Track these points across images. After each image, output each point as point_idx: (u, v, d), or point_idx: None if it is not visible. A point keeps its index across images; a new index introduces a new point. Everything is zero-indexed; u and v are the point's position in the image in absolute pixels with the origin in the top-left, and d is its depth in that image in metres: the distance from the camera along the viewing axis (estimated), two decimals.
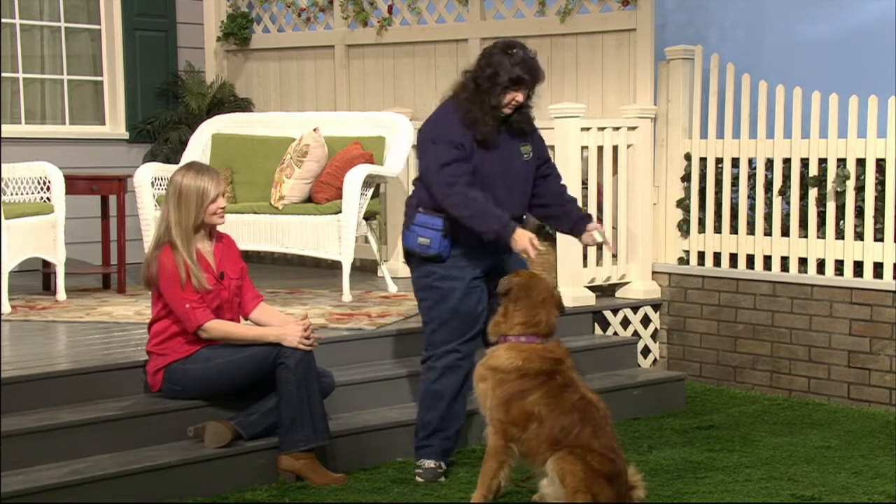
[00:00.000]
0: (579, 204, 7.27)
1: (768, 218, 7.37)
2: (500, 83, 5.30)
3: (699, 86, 7.66)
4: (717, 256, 7.62)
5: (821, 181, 7.13)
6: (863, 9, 7.52)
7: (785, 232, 7.29)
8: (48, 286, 7.82)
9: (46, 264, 7.70)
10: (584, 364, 6.83)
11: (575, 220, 5.61)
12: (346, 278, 7.35)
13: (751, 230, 7.44)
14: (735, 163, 7.51)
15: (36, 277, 8.02)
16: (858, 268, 7.00)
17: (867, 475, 5.52)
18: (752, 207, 7.47)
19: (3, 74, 8.94)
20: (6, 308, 6.88)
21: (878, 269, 6.92)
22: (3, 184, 7.11)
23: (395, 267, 8.34)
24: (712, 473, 5.52)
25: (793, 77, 7.32)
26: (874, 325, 6.89)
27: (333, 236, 7.36)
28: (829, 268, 7.10)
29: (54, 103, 9.44)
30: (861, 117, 6.98)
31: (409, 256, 5.58)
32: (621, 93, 7.89)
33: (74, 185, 7.69)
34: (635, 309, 7.65)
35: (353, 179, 7.31)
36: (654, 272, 7.77)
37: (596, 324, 7.47)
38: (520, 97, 5.36)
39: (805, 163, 7.20)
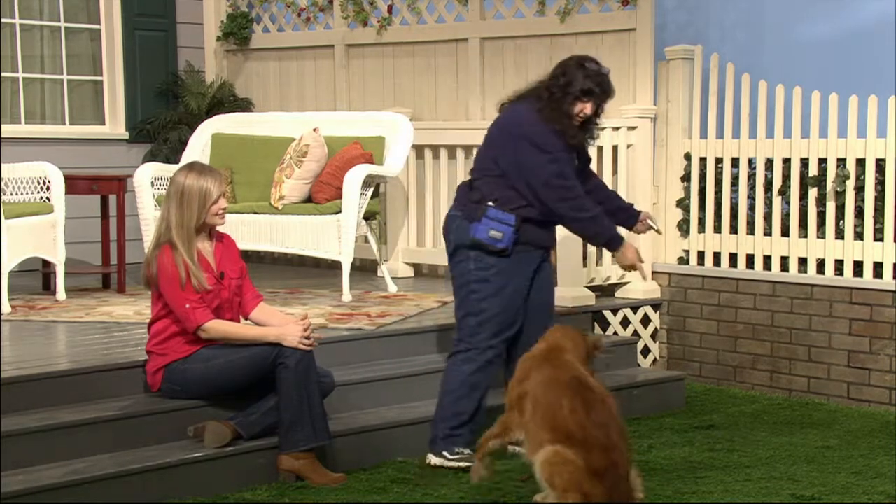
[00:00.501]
0: None
1: (768, 218, 7.37)
2: (572, 93, 5.51)
3: (699, 86, 7.66)
4: (716, 256, 7.62)
5: (820, 181, 7.13)
6: (862, 9, 7.52)
7: (785, 232, 7.29)
8: (48, 286, 7.82)
9: (46, 264, 7.70)
10: None
11: (628, 212, 5.97)
12: (345, 278, 7.35)
13: (750, 230, 7.44)
14: (735, 162, 7.51)
15: (36, 277, 8.01)
16: (858, 268, 7.00)
17: (867, 475, 5.52)
18: (751, 207, 7.47)
19: (3, 74, 8.94)
20: (6, 308, 6.88)
21: (877, 268, 6.92)
22: (3, 183, 7.11)
23: (394, 267, 8.35)
24: (712, 473, 5.52)
25: (792, 77, 7.32)
26: (874, 324, 6.89)
27: (333, 236, 7.36)
28: (829, 268, 7.10)
29: (54, 103, 9.44)
30: (861, 117, 6.98)
31: (465, 249, 5.61)
32: (621, 93, 7.83)
33: (74, 184, 7.69)
34: (635, 309, 7.65)
35: (353, 179, 7.31)
36: (653, 272, 7.77)
37: (596, 324, 7.47)
38: (588, 109, 5.57)
39: (805, 162, 7.21)
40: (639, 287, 7.66)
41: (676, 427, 6.42)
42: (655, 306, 7.75)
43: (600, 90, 5.56)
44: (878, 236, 6.91)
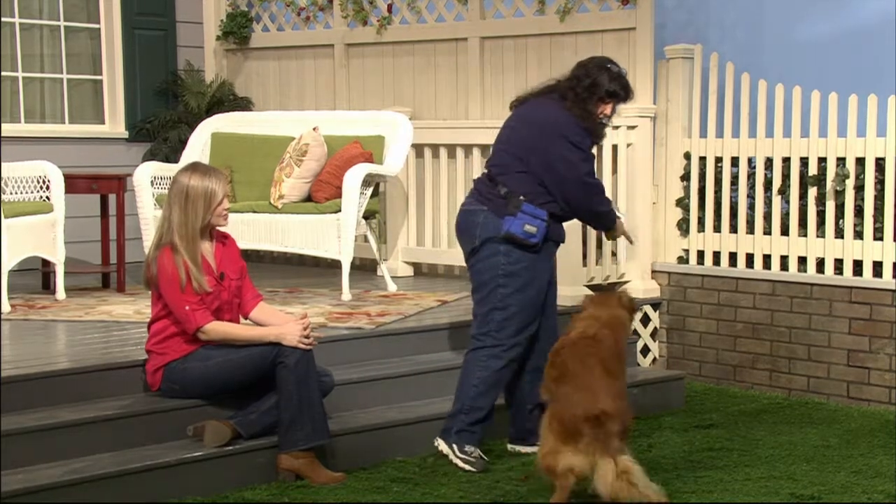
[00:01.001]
0: None
1: (768, 217, 7.37)
2: (597, 94, 5.61)
3: (699, 85, 7.66)
4: (716, 255, 7.62)
5: (820, 180, 7.13)
6: (862, 8, 7.52)
7: (784, 231, 7.29)
8: (47, 285, 7.82)
9: (46, 263, 7.70)
10: None
11: None
12: (345, 277, 7.35)
13: (750, 229, 7.44)
14: (734, 162, 7.51)
15: (35, 276, 8.01)
16: (858, 267, 7.01)
17: (866, 474, 5.52)
18: (751, 206, 7.47)
19: (3, 73, 8.94)
20: (6, 307, 6.88)
21: (877, 268, 6.93)
22: (2, 183, 7.11)
23: (394, 266, 8.35)
24: (712, 472, 5.52)
25: (792, 76, 7.32)
26: (873, 323, 6.89)
27: (333, 235, 7.36)
28: (829, 267, 7.10)
29: (54, 102, 9.44)
30: (860, 116, 6.98)
31: (496, 243, 5.61)
32: None
33: (74, 184, 7.69)
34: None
35: (353, 178, 7.31)
36: (653, 271, 7.77)
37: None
38: (608, 110, 5.69)
39: (804, 162, 7.21)
40: (638, 286, 7.66)
41: (676, 426, 6.42)
42: (655, 305, 7.76)
43: (624, 93, 5.69)
44: (878, 235, 6.92)
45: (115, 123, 9.62)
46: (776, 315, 7.27)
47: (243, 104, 9.74)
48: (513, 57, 8.44)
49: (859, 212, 6.99)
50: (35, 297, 7.52)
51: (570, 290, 7.22)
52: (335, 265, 7.71)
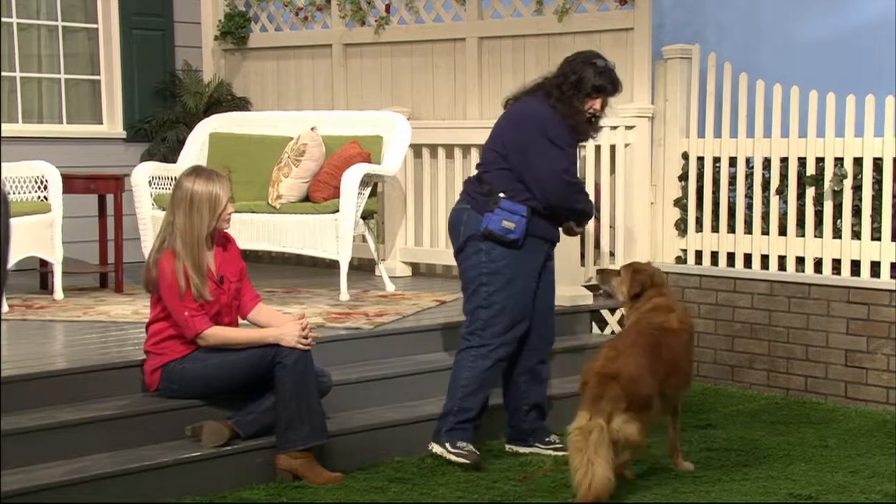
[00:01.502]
0: None
1: (766, 217, 7.37)
2: (584, 90, 5.59)
3: (696, 85, 7.66)
4: (714, 255, 7.62)
5: (818, 180, 7.14)
6: (860, 8, 7.53)
7: (782, 231, 7.30)
8: (45, 285, 7.82)
9: (44, 263, 7.69)
10: (581, 363, 6.83)
11: None
12: (343, 277, 7.35)
13: (748, 229, 7.45)
14: (732, 162, 7.52)
15: (33, 276, 8.01)
16: (856, 267, 7.01)
17: (864, 474, 5.53)
18: (749, 206, 7.47)
19: (1, 74, 8.93)
20: (4, 307, 6.87)
21: (875, 268, 6.93)
22: (0, 183, 7.09)
23: (392, 266, 8.34)
24: (709, 472, 5.52)
25: (790, 76, 7.33)
26: (871, 324, 6.89)
27: (331, 235, 7.36)
28: (827, 267, 7.11)
29: (52, 102, 9.43)
30: (858, 116, 6.99)
31: (478, 241, 5.62)
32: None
33: (72, 184, 7.68)
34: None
35: (351, 178, 7.31)
36: None
37: (594, 322, 7.47)
38: (597, 105, 5.66)
39: (802, 162, 7.21)
40: None
41: None
42: None
43: (612, 86, 5.67)
44: (876, 235, 6.92)
45: (112, 123, 9.61)
46: (774, 315, 7.28)
47: (241, 104, 9.73)
48: (511, 57, 8.45)
49: (857, 212, 7.00)
50: (33, 297, 7.52)
51: (568, 290, 7.22)
52: (333, 265, 7.71)
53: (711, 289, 7.55)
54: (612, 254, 7.64)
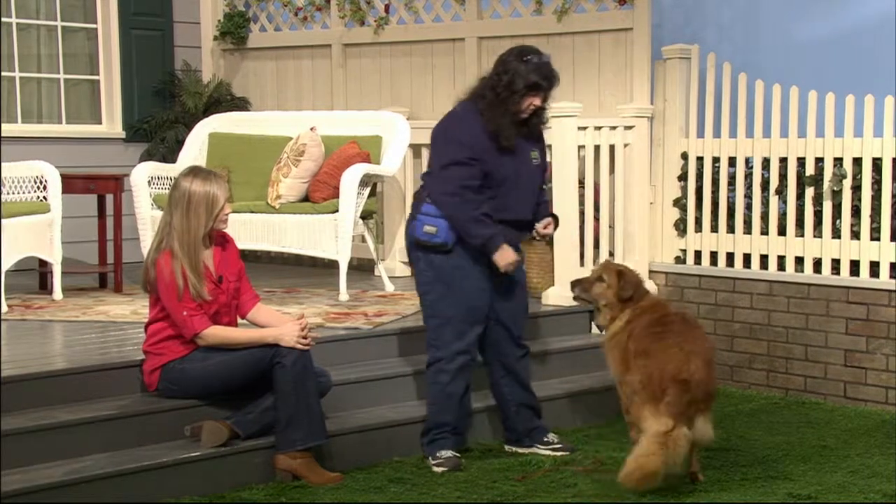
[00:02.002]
0: (576, 203, 7.30)
1: (765, 217, 7.37)
2: (518, 90, 5.46)
3: (696, 85, 7.66)
4: (713, 255, 7.62)
5: (818, 180, 7.13)
6: (860, 8, 7.53)
7: (782, 231, 7.30)
8: (45, 285, 7.81)
9: (43, 263, 7.69)
10: (580, 363, 6.84)
11: (540, 212, 5.77)
12: (342, 277, 7.35)
13: (747, 229, 7.45)
14: (732, 162, 7.52)
15: (32, 277, 8.01)
16: (855, 267, 7.01)
17: (863, 474, 5.53)
18: (748, 207, 7.47)
19: (1, 74, 8.93)
20: (3, 307, 6.87)
21: (874, 268, 6.93)
22: (0, 183, 7.10)
23: (392, 266, 8.34)
24: (709, 472, 5.52)
25: (790, 76, 7.33)
26: (871, 324, 6.89)
27: (330, 235, 7.36)
28: (826, 267, 7.11)
29: (51, 102, 9.43)
30: (858, 116, 6.98)
31: (414, 250, 5.62)
32: (618, 92, 7.90)
33: (71, 184, 7.68)
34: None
35: (350, 178, 7.31)
36: (650, 271, 7.77)
37: (593, 323, 7.46)
38: (538, 101, 5.54)
39: (802, 162, 7.21)
40: None
41: None
42: None
43: (547, 82, 5.50)
44: (875, 235, 6.92)
45: (112, 123, 9.61)
46: (773, 315, 7.28)
47: (240, 104, 9.73)
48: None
49: (856, 212, 7.00)
50: (32, 297, 7.51)
51: (567, 290, 7.22)
52: (332, 265, 7.71)
53: (711, 289, 7.55)
54: (611, 254, 7.63)
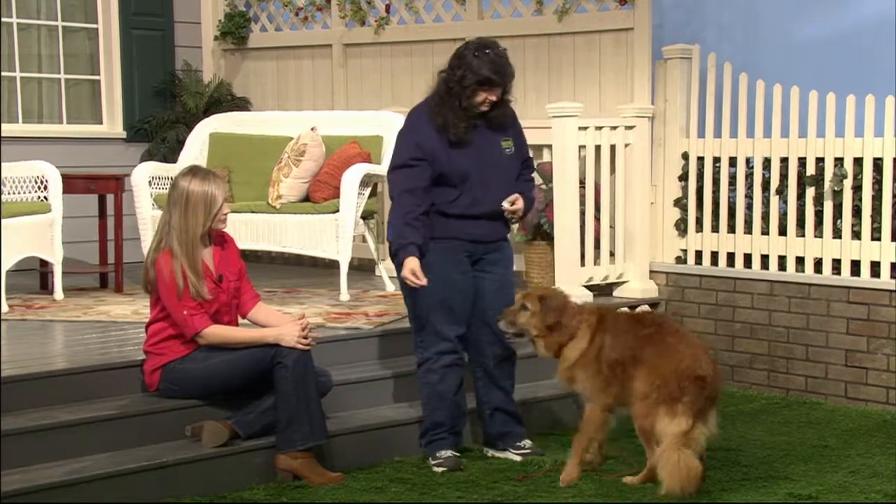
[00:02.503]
0: (577, 203, 7.30)
1: (766, 217, 7.37)
2: (469, 85, 5.40)
3: (696, 85, 7.66)
4: (714, 255, 7.62)
5: (818, 180, 7.13)
6: (860, 8, 7.52)
7: (782, 231, 7.29)
8: (45, 285, 7.82)
9: (44, 263, 7.69)
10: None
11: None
12: (343, 277, 7.35)
13: (748, 229, 7.45)
14: (732, 162, 7.52)
15: (33, 277, 8.01)
16: (856, 267, 7.01)
17: (864, 474, 5.53)
18: (749, 207, 7.47)
19: (1, 74, 8.93)
20: (4, 307, 6.87)
21: (875, 268, 6.93)
22: (0, 183, 7.10)
23: (392, 266, 8.32)
24: (710, 472, 5.50)
25: (790, 76, 7.32)
26: (871, 324, 6.89)
27: (331, 235, 7.36)
28: (827, 267, 7.11)
29: (51, 102, 9.43)
30: (858, 116, 6.98)
31: (392, 252, 5.62)
32: (619, 92, 7.89)
33: (72, 184, 7.69)
34: (633, 308, 7.62)
35: (351, 178, 7.31)
36: (651, 271, 7.77)
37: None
38: (492, 96, 5.46)
39: (802, 162, 7.21)
40: (636, 286, 7.67)
41: None
42: (653, 305, 7.75)
43: (498, 77, 5.43)
44: (876, 235, 6.92)
45: (112, 123, 9.61)
46: (774, 315, 7.28)
47: (241, 104, 9.73)
48: (510, 57, 8.39)
49: (857, 212, 6.99)
50: (33, 297, 7.51)
51: (567, 289, 7.20)
52: (333, 265, 7.71)
53: (711, 289, 7.55)
54: (612, 254, 7.63)
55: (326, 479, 5.35)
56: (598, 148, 7.47)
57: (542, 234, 7.44)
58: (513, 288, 5.73)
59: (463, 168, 5.45)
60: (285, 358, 5.30)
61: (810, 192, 7.16)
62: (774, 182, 7.31)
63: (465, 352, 5.68)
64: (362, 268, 8.52)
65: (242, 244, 7.12)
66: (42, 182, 7.35)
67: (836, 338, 7.03)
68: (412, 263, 5.40)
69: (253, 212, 7.59)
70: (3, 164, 7.16)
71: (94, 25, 9.57)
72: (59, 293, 7.35)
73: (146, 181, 7.70)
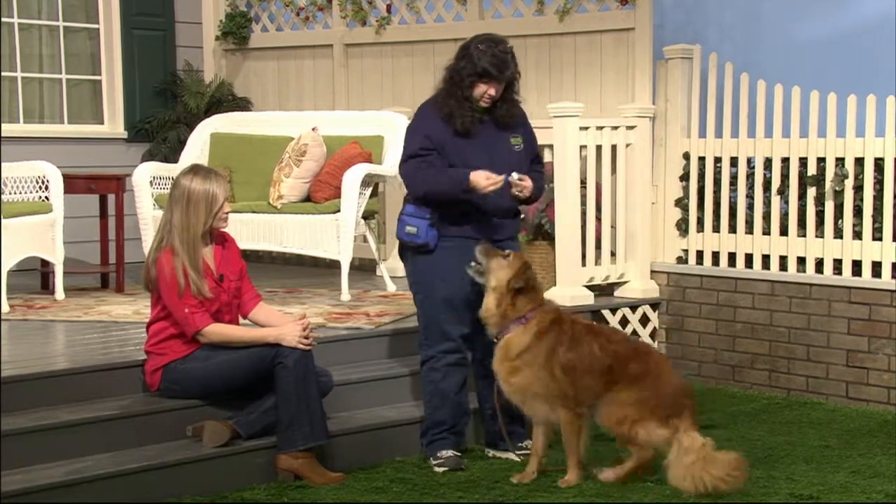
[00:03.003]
0: (578, 203, 7.30)
1: (767, 217, 7.37)
2: (468, 76, 5.43)
3: (697, 85, 7.66)
4: (715, 256, 7.62)
5: (819, 180, 7.13)
6: (861, 8, 7.52)
7: (783, 231, 7.29)
8: (46, 285, 7.82)
9: (45, 263, 7.70)
10: None
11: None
12: (344, 277, 7.35)
13: (749, 229, 7.44)
14: (733, 162, 7.51)
15: (34, 277, 8.01)
16: (857, 267, 7.00)
17: (865, 474, 5.52)
18: (750, 207, 7.47)
19: (2, 73, 8.93)
20: (5, 307, 6.88)
21: (876, 268, 6.92)
22: (1, 183, 7.11)
23: (393, 266, 8.33)
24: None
25: (791, 76, 7.32)
26: (872, 324, 6.89)
27: (332, 235, 7.36)
28: (828, 267, 7.10)
29: (53, 102, 9.44)
30: (859, 116, 6.98)
31: (403, 251, 5.65)
32: (620, 92, 7.89)
33: (73, 184, 7.69)
34: (634, 308, 7.64)
35: (352, 179, 7.31)
36: (652, 271, 7.77)
37: (594, 323, 7.46)
38: (492, 91, 5.48)
39: (803, 162, 7.21)
40: (637, 286, 7.67)
41: None
42: (654, 305, 7.75)
43: (496, 71, 5.43)
44: (877, 235, 6.91)
45: (114, 124, 9.62)
46: (775, 315, 7.28)
47: (242, 104, 9.74)
48: None
49: (858, 212, 6.99)
50: (34, 297, 7.52)
51: (568, 290, 7.23)
52: (334, 265, 7.71)
53: (712, 289, 7.54)
54: (613, 254, 7.63)
55: (327, 479, 5.35)
56: (599, 148, 7.47)
57: (543, 234, 7.44)
58: None
59: (471, 160, 5.46)
60: (286, 358, 5.30)
61: (811, 192, 7.15)
62: (776, 182, 7.31)
63: (469, 352, 5.68)
64: (363, 268, 8.53)
65: (243, 244, 7.12)
66: (43, 182, 7.35)
67: (837, 338, 7.03)
68: (477, 174, 5.34)
69: (254, 212, 7.59)
70: (4, 164, 7.16)
71: (96, 25, 9.57)
72: (60, 293, 7.36)
73: (147, 181, 7.71)
